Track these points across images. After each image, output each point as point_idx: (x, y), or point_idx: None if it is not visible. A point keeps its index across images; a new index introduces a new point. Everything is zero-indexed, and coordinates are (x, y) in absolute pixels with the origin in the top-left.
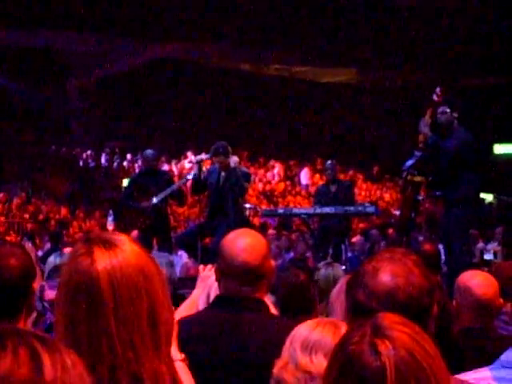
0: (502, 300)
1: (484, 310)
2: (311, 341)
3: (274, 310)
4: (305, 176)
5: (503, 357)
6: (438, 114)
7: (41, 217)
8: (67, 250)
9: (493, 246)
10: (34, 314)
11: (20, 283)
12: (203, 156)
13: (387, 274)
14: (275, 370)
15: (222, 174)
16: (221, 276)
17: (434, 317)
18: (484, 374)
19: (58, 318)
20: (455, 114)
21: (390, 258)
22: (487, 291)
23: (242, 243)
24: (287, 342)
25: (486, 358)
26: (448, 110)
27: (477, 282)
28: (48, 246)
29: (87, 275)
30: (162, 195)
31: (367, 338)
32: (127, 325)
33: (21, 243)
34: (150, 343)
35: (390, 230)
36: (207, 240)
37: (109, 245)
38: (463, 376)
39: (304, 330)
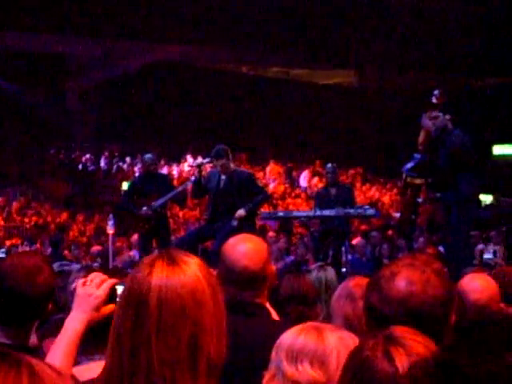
0: (502, 304)
1: (479, 314)
2: (295, 349)
3: (275, 315)
4: (304, 178)
5: None
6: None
7: (40, 221)
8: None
9: (492, 246)
10: None
11: (42, 300)
12: (203, 160)
13: (403, 280)
14: (264, 383)
15: (223, 177)
16: (222, 281)
17: (452, 326)
18: None
19: (113, 321)
20: (447, 117)
21: (410, 265)
22: (481, 296)
23: (243, 248)
24: (273, 352)
25: None
26: (440, 114)
27: (473, 286)
28: (49, 250)
29: (140, 285)
30: (162, 200)
31: (381, 346)
32: (167, 344)
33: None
34: (187, 370)
35: (390, 232)
36: (208, 243)
37: (172, 262)
38: None
39: (287, 339)
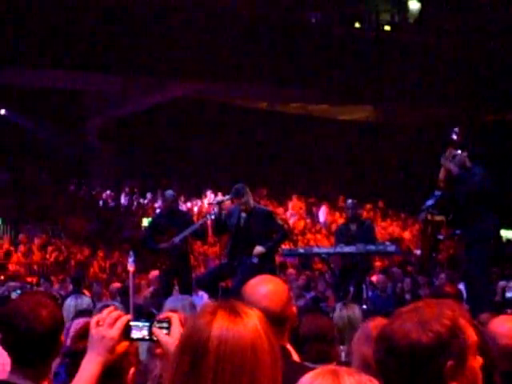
0: None
1: (508, 358)
2: None
3: (295, 357)
4: (323, 213)
5: None
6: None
7: (61, 257)
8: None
9: None
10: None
11: (50, 335)
12: (223, 197)
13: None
14: None
15: (243, 214)
16: None
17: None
18: None
19: (167, 371)
20: (465, 154)
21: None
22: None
23: (264, 290)
24: None
25: None
26: (458, 152)
27: (503, 330)
28: (70, 288)
29: (200, 333)
30: (182, 235)
31: None
32: None
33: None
34: None
35: (410, 268)
36: (227, 281)
37: (234, 312)
38: None
39: (305, 382)
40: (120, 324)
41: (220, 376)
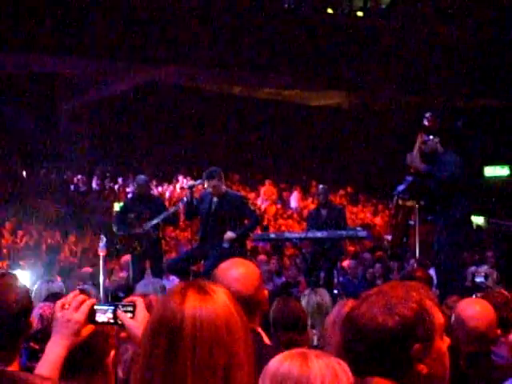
0: (499, 330)
1: (478, 341)
2: (279, 375)
3: (267, 340)
4: (294, 199)
5: None
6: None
7: (32, 241)
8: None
9: (484, 269)
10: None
11: (18, 318)
12: (195, 181)
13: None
14: None
15: (215, 199)
16: None
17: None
18: None
19: (139, 354)
20: (436, 139)
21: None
22: (480, 324)
23: (235, 273)
24: (260, 378)
25: None
26: (430, 138)
27: (471, 313)
28: (41, 272)
29: (173, 314)
30: (154, 221)
31: None
32: (202, 374)
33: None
34: None
35: (381, 253)
36: (199, 265)
37: (203, 291)
38: None
39: (273, 365)
40: (85, 307)
41: (198, 355)
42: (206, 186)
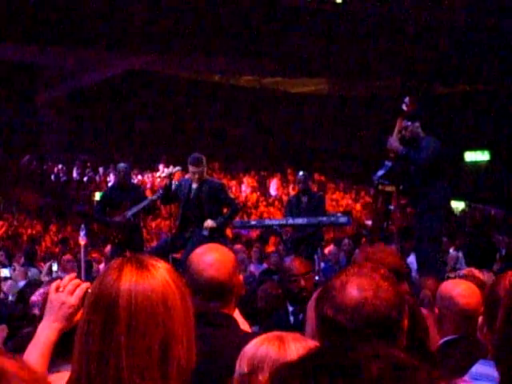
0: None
1: (468, 319)
2: (256, 358)
3: (243, 326)
4: (273, 186)
5: (473, 369)
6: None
7: (12, 231)
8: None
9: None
10: None
11: None
12: (173, 169)
13: (354, 288)
14: None
15: (193, 186)
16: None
17: (405, 331)
18: None
19: (78, 328)
20: (417, 124)
21: (358, 273)
22: (471, 300)
23: (210, 258)
24: (237, 362)
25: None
26: (409, 123)
27: (460, 291)
28: (22, 261)
29: (109, 290)
30: (134, 210)
31: None
32: (137, 350)
33: None
34: (158, 377)
35: (363, 240)
36: (178, 253)
37: (141, 266)
38: None
39: (250, 348)
40: (80, 291)
41: (133, 331)
42: (191, 170)
